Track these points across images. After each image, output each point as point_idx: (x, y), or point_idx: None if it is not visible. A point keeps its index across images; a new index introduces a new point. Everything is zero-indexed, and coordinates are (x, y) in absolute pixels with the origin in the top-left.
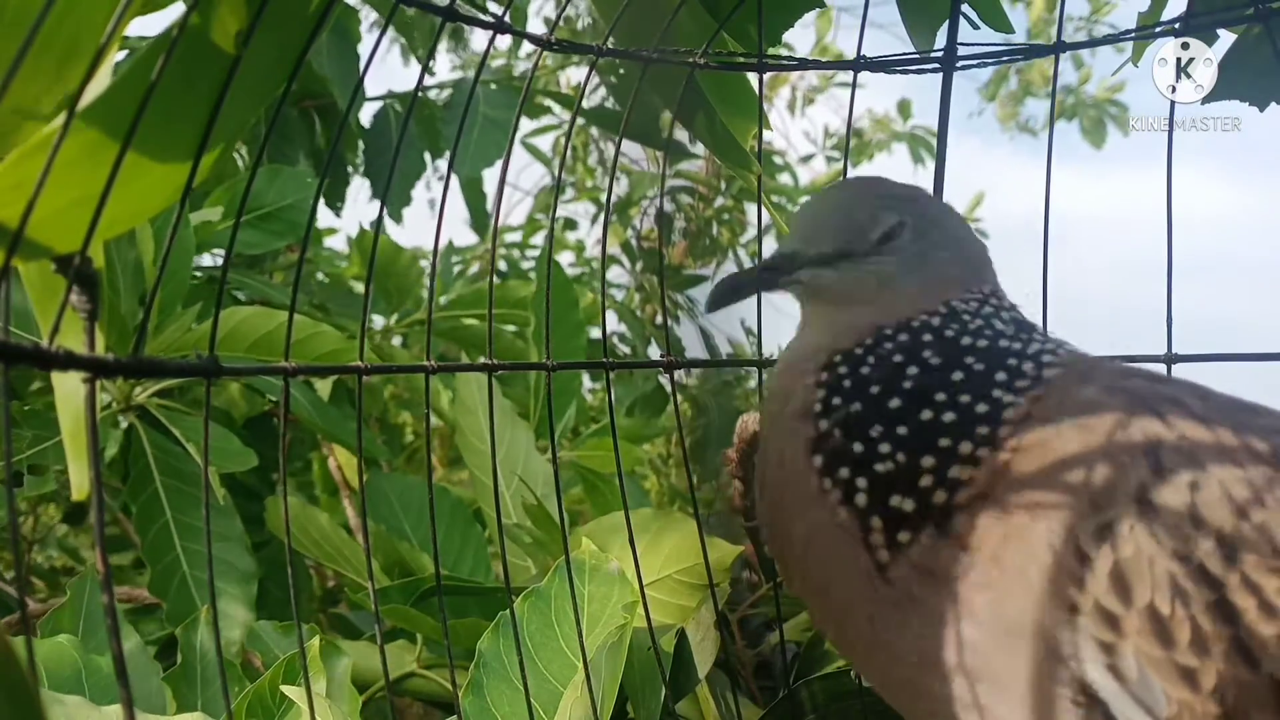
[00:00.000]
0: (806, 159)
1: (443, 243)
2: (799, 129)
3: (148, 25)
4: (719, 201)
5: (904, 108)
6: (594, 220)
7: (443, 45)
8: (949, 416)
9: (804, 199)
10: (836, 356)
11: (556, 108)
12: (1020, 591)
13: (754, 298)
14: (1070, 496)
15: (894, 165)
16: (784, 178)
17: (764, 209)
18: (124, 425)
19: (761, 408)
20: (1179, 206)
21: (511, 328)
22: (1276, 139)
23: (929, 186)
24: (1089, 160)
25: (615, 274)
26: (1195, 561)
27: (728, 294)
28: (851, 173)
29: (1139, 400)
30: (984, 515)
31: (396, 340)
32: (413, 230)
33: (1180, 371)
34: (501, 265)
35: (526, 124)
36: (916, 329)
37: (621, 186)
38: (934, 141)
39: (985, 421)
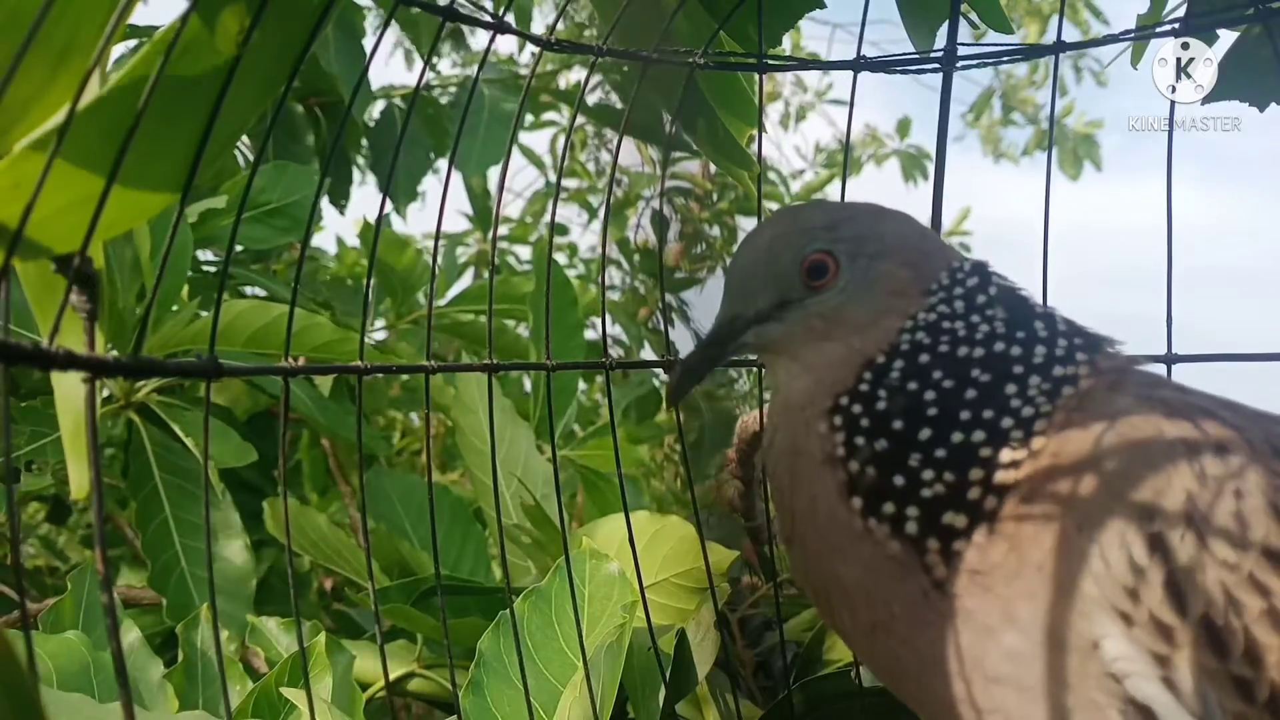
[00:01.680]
0: (798, 174)
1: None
2: (790, 144)
3: (149, 16)
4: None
5: (903, 126)
6: (587, 225)
7: (444, 46)
8: (979, 435)
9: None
10: (843, 399)
11: (563, 106)
12: (1069, 602)
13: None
14: (1117, 506)
15: (884, 181)
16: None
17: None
18: (124, 421)
19: (770, 463)
20: (1150, 218)
21: (510, 322)
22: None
23: (924, 202)
24: (1060, 177)
25: (610, 275)
26: (1245, 570)
27: (686, 382)
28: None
29: (1174, 410)
30: (1030, 520)
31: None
32: (410, 224)
33: (1180, 371)
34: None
35: (528, 122)
36: (909, 352)
37: (619, 187)
38: (925, 161)
39: (1018, 428)
